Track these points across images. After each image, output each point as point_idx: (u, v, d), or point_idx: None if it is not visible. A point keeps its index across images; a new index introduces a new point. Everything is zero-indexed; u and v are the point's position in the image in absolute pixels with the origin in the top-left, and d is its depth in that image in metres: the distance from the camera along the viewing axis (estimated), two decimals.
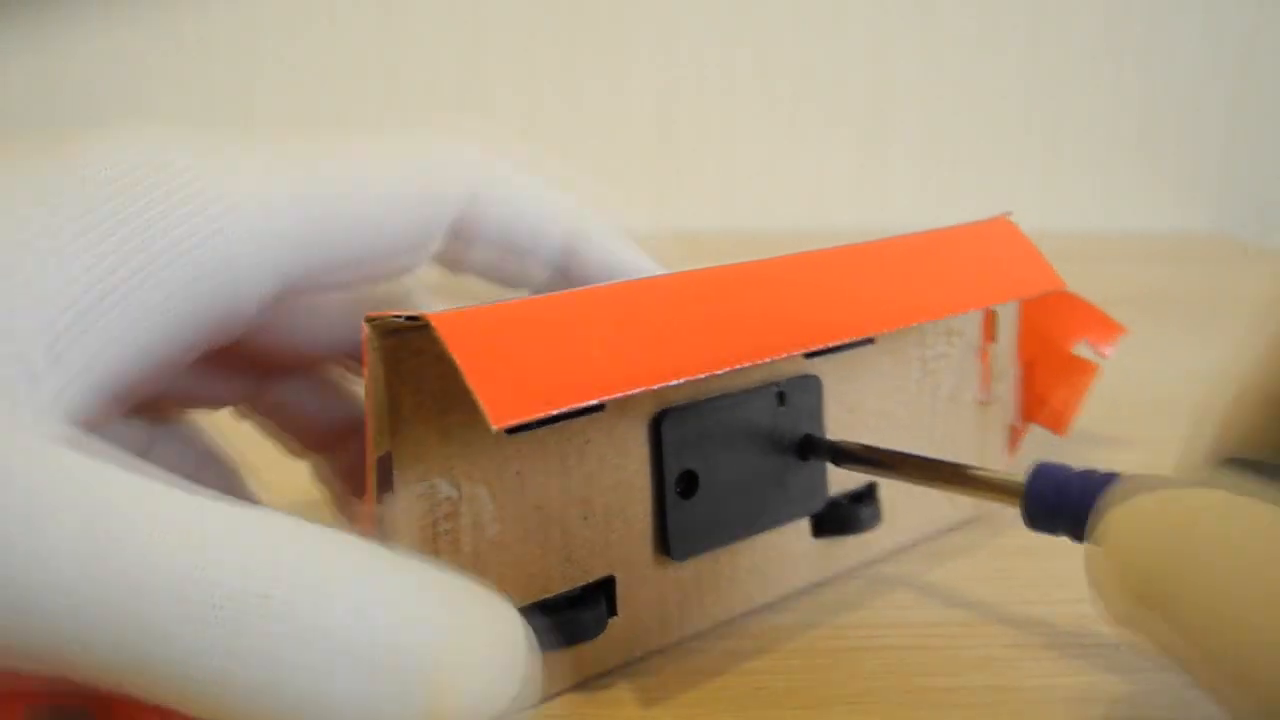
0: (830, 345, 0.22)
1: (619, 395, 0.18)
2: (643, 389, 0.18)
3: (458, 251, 0.22)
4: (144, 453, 0.22)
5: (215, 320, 0.18)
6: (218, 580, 0.14)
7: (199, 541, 0.14)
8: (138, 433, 0.22)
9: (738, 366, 0.19)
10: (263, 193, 0.18)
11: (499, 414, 0.16)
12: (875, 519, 0.25)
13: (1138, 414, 0.36)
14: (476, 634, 0.15)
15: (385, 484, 0.18)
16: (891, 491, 0.26)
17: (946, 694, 0.21)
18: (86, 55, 0.69)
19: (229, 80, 0.69)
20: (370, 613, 0.15)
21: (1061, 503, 0.20)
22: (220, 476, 0.23)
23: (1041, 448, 0.29)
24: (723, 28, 0.72)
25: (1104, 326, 0.30)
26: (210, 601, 0.14)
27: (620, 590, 0.21)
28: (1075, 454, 0.30)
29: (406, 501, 0.18)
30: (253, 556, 0.14)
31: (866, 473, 0.24)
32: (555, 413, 0.17)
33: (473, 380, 0.16)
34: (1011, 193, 0.75)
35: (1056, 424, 0.30)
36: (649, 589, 0.22)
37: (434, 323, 0.16)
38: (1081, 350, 0.30)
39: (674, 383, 0.19)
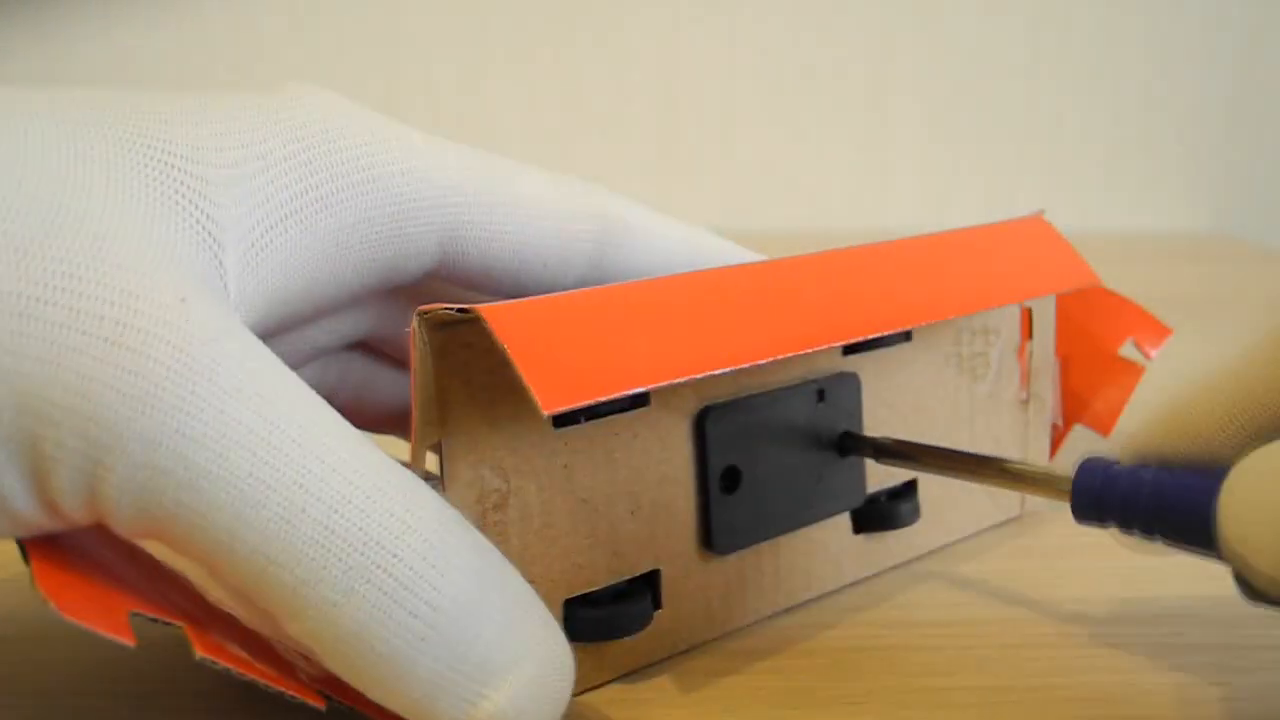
0: (866, 339, 0.22)
1: (663, 384, 0.18)
2: (686, 378, 0.18)
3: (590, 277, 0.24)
4: None
5: (383, 263, 0.20)
6: (361, 526, 0.16)
7: (352, 477, 0.16)
8: None
9: (777, 358, 0.20)
10: (435, 158, 0.20)
11: (549, 400, 0.16)
12: (914, 515, 0.25)
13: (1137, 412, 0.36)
14: (539, 656, 0.17)
15: (434, 474, 0.18)
16: (933, 490, 0.26)
17: (946, 694, 0.21)
18: (86, 55, 0.69)
19: (229, 80, 0.69)
20: (468, 601, 0.16)
21: (1110, 496, 0.20)
22: None
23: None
24: (723, 27, 0.72)
25: (1150, 327, 0.30)
26: (348, 542, 0.15)
27: (665, 584, 0.22)
28: (1072, 448, 0.30)
29: (456, 492, 0.18)
30: (392, 509, 0.16)
31: (908, 468, 0.24)
32: (602, 403, 0.18)
33: (523, 368, 0.17)
34: (1011, 193, 0.75)
35: (1102, 426, 0.30)
36: (693, 583, 0.22)
37: (484, 314, 0.17)
38: (1127, 351, 0.30)
39: (716, 373, 0.19)
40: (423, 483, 0.17)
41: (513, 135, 0.72)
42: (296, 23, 0.70)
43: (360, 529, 0.16)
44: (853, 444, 0.24)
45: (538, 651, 0.17)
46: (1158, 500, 0.19)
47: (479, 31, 0.71)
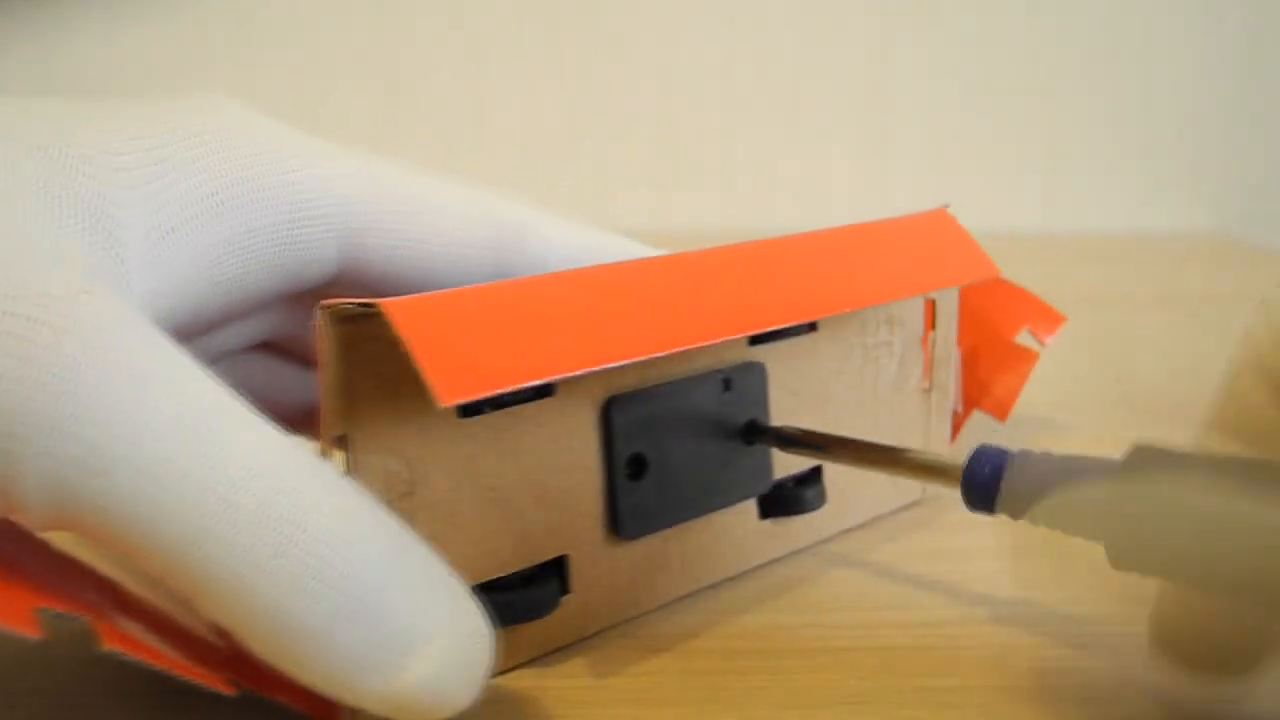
0: (773, 330, 0.23)
1: (564, 376, 0.19)
2: (589, 370, 0.19)
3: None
4: None
5: (284, 270, 0.20)
6: (271, 503, 0.16)
7: (261, 459, 0.16)
8: None
9: (682, 349, 0.20)
10: (335, 166, 0.21)
11: (447, 393, 0.17)
12: (819, 500, 0.26)
13: (1139, 414, 0.36)
14: (460, 624, 0.17)
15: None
16: (836, 475, 0.27)
17: (946, 694, 0.21)
18: (86, 55, 0.69)
19: (229, 80, 0.69)
20: (382, 573, 0.16)
21: (998, 484, 0.20)
22: None
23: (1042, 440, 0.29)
24: (723, 28, 0.72)
25: (1044, 315, 0.31)
26: (258, 520, 0.16)
27: (573, 569, 0.22)
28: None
29: (361, 481, 0.19)
30: (300, 488, 0.16)
31: (809, 456, 0.25)
32: (504, 394, 0.18)
33: (422, 361, 0.17)
34: (1011, 193, 0.75)
35: (999, 411, 0.31)
36: (601, 568, 0.23)
37: (385, 307, 0.17)
38: (1023, 339, 0.31)
39: (620, 364, 0.19)
40: (328, 464, 0.17)
41: (513, 135, 0.72)
42: (296, 23, 0.70)
43: (269, 506, 0.16)
44: (758, 432, 0.24)
45: (456, 621, 0.17)
46: (1041, 487, 0.20)
47: (479, 31, 0.71)
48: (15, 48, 0.69)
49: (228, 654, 0.19)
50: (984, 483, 0.21)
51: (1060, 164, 0.75)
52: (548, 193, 0.73)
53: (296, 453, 0.17)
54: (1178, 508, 0.18)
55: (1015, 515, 0.20)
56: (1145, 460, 0.19)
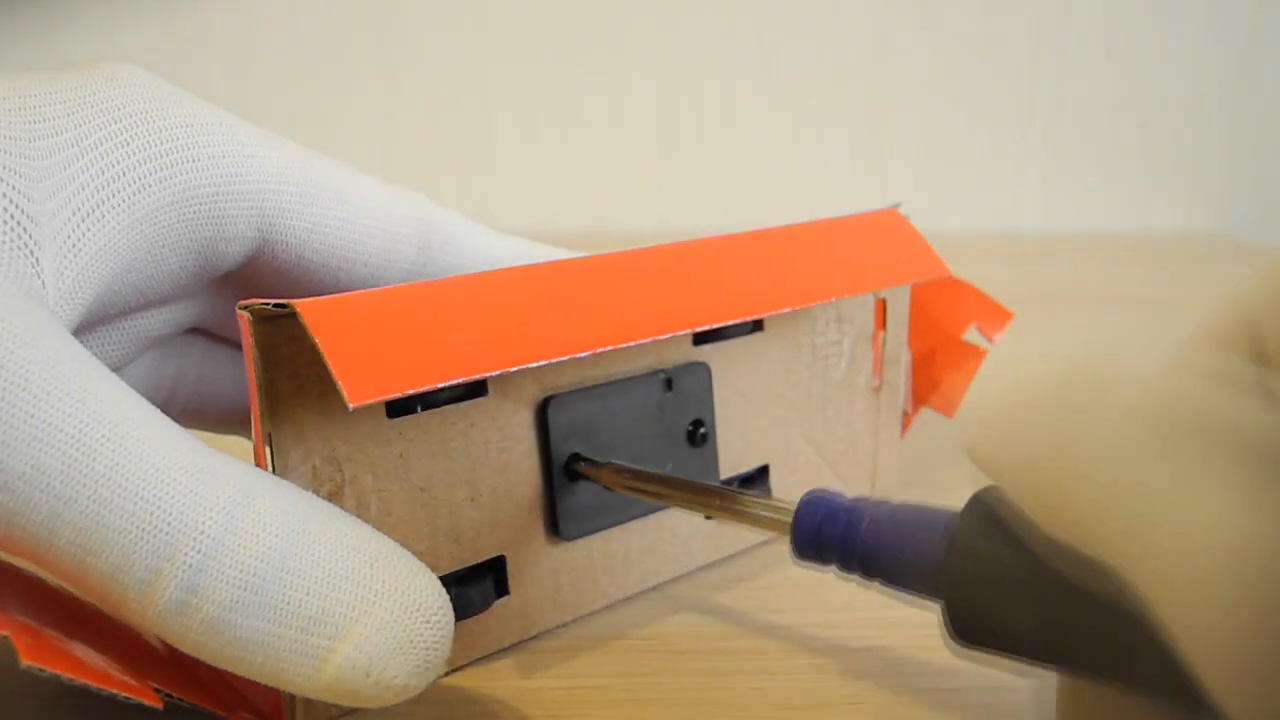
0: (718, 330, 0.22)
1: (487, 375, 0.18)
2: (512, 369, 0.19)
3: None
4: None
5: (201, 245, 0.20)
6: (165, 509, 0.16)
7: (159, 466, 0.16)
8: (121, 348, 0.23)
9: (617, 346, 0.20)
10: (257, 146, 0.20)
11: (355, 393, 0.17)
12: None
13: None
14: (390, 602, 0.17)
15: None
16: (783, 474, 0.26)
17: (946, 694, 0.21)
18: (87, 55, 0.69)
19: (229, 80, 0.69)
20: (283, 561, 0.16)
21: (829, 534, 0.19)
22: None
23: None
24: (723, 27, 0.72)
25: (993, 313, 0.31)
26: (153, 526, 0.16)
27: (511, 569, 0.22)
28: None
29: (287, 479, 0.19)
30: (197, 491, 0.16)
31: (634, 495, 0.23)
32: (436, 393, 0.18)
33: (331, 361, 0.17)
34: (1012, 193, 0.75)
35: (946, 408, 0.30)
36: (541, 568, 0.23)
37: (299, 308, 0.17)
38: (971, 336, 0.31)
39: (552, 363, 0.19)
40: (234, 460, 0.17)
41: (513, 135, 0.72)
42: (296, 23, 0.70)
43: (164, 511, 0.16)
44: (578, 469, 0.23)
45: (388, 596, 0.17)
46: (873, 539, 0.19)
47: (479, 31, 0.71)
48: (16, 47, 0.69)
49: (190, 668, 0.19)
50: (816, 531, 0.19)
51: (1060, 163, 0.75)
52: (548, 193, 0.73)
53: (196, 455, 0.17)
54: (1009, 573, 0.16)
55: (845, 569, 0.19)
56: (983, 513, 0.17)
